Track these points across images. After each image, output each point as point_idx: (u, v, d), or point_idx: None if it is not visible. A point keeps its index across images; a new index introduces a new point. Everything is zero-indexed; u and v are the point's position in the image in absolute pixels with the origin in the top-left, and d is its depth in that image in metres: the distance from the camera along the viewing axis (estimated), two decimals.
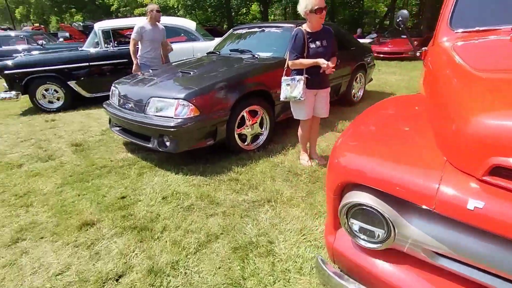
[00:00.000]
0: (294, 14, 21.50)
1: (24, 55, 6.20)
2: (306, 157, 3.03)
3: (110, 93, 3.60)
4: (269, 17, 23.77)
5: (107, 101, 3.58)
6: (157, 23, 4.57)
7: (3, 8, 29.16)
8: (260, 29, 4.20)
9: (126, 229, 2.11)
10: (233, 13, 22.51)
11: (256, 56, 3.67)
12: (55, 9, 27.42)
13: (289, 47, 2.65)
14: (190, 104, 2.72)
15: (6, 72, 5.18)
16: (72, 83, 5.47)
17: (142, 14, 18.23)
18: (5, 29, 19.89)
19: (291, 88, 2.66)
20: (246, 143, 3.27)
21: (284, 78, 2.75)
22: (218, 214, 2.26)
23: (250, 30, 4.35)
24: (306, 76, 2.65)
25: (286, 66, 2.75)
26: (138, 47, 4.55)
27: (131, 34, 4.51)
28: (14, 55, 6.64)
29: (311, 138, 3.06)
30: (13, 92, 5.31)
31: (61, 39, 14.07)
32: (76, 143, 3.79)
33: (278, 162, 3.06)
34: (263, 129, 3.41)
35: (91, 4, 26.94)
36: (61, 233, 2.11)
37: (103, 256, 1.89)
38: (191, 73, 3.23)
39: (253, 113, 3.26)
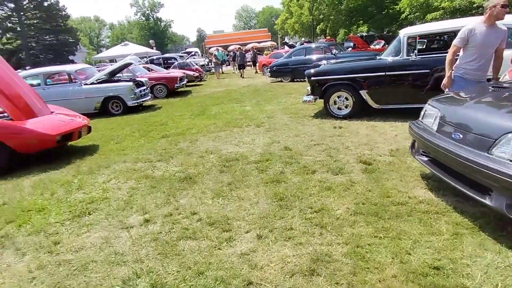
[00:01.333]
0: None
1: (326, 63, 6.82)
2: None
3: (422, 112, 2.92)
4: None
5: (416, 121, 2.92)
6: (496, 23, 3.38)
7: (308, 26, 36.43)
8: None
9: None
10: None
11: None
12: (347, 22, 30.73)
13: None
14: None
15: (312, 78, 5.82)
16: (363, 92, 5.36)
17: (434, 19, 16.37)
18: (307, 42, 24.65)
19: None
20: None
21: None
22: None
23: None
24: None
25: None
26: (458, 56, 3.60)
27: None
28: (314, 63, 7.58)
29: None
30: (312, 96, 5.94)
31: (349, 49, 15.33)
32: (365, 160, 3.45)
33: None
34: None
35: (378, 14, 27.83)
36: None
37: None
38: None
39: None
